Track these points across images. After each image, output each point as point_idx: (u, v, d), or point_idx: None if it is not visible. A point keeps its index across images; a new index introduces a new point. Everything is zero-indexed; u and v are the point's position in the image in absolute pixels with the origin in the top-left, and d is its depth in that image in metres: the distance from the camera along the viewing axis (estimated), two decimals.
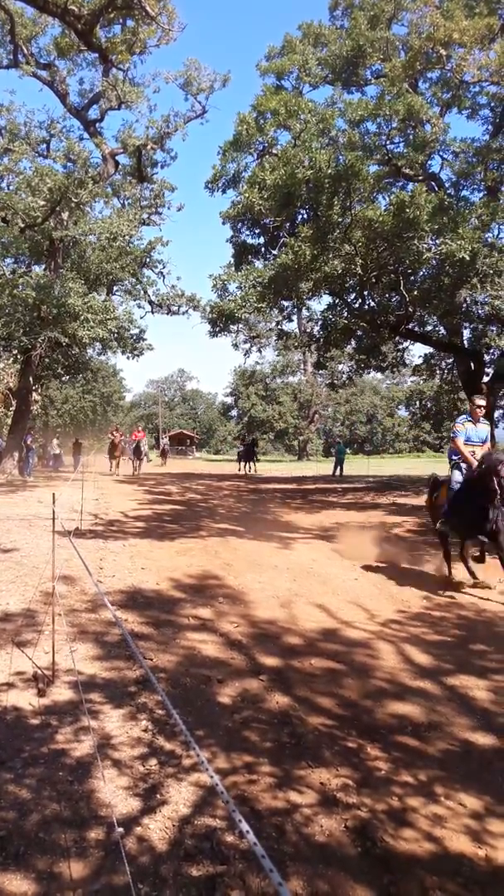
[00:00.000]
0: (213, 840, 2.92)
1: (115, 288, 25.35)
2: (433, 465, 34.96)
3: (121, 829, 2.85)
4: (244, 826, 1.52)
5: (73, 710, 4.12)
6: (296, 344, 26.97)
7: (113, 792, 3.26)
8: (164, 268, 25.62)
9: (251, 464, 31.11)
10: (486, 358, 19.52)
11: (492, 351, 18.70)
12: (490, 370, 19.88)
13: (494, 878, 2.85)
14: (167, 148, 24.85)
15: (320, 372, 49.31)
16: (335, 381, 31.76)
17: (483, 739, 4.04)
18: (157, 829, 3.01)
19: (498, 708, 4.51)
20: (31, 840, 2.88)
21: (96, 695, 4.38)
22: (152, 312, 26.05)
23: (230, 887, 2.64)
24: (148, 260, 25.14)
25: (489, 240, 16.45)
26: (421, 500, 15.82)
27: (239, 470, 31.05)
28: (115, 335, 22.62)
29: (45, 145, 23.33)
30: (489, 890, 2.77)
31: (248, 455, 31.06)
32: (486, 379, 19.73)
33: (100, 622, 5.86)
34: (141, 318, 27.22)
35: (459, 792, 3.42)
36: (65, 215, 20.72)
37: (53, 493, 5.38)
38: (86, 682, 4.53)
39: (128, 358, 25.15)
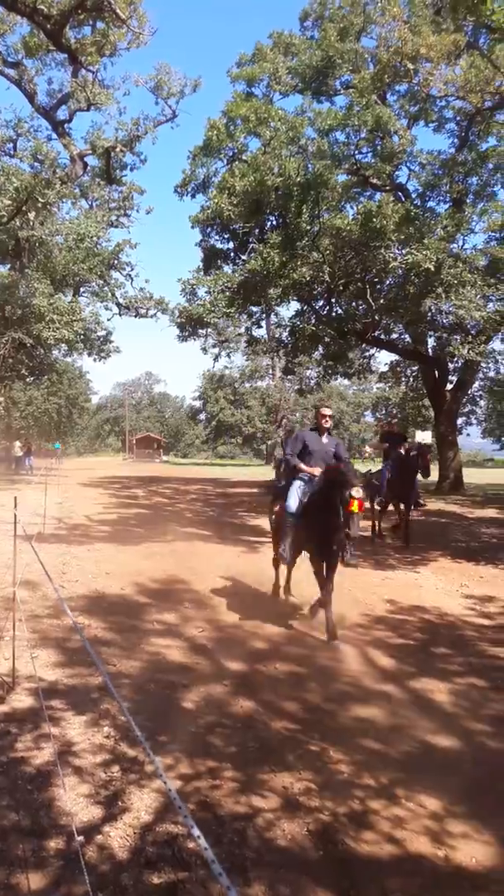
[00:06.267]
0: (174, 847, 2.90)
1: (81, 289, 25.08)
2: None
3: (81, 838, 2.82)
4: (196, 831, 1.52)
5: (33, 717, 4.05)
6: (264, 349, 27.08)
7: (73, 800, 3.22)
8: (132, 270, 25.46)
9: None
10: (450, 366, 19.87)
11: (455, 359, 19.02)
12: (453, 378, 20.24)
13: (453, 878, 2.89)
14: (137, 151, 24.73)
15: (288, 377, 49.54)
16: (303, 387, 31.94)
17: (443, 741, 4.10)
18: (118, 836, 2.98)
19: (458, 710, 4.58)
20: None
21: (58, 701, 4.32)
22: (120, 315, 25.85)
23: (192, 894, 2.62)
24: (116, 262, 24.94)
25: (454, 250, 16.75)
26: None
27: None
28: (82, 337, 22.38)
29: (11, 144, 23.03)
30: (448, 890, 2.80)
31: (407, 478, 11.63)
32: (449, 387, 20.09)
33: (62, 628, 5.78)
34: (108, 320, 26.90)
35: (420, 794, 3.46)
36: (31, 215, 20.44)
37: (15, 497, 5.29)
38: (47, 688, 4.46)
39: (94, 360, 24.94)
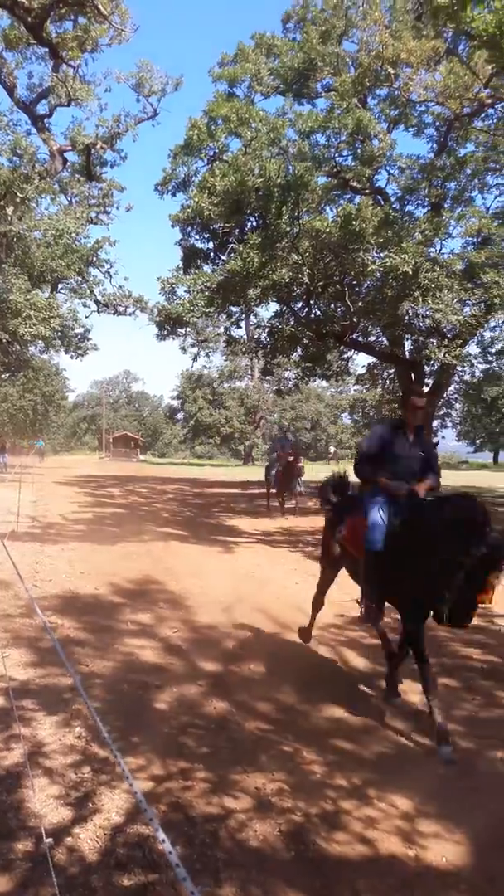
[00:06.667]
0: (145, 848, 2.88)
1: (59, 286, 24.83)
2: None
3: (49, 840, 2.78)
4: (161, 835, 1.51)
5: (3, 717, 4.00)
6: (243, 350, 27.06)
7: (43, 801, 3.18)
8: (111, 267, 25.26)
9: None
10: (426, 369, 20.04)
11: (431, 363, 19.19)
12: (429, 381, 20.42)
13: (424, 877, 2.91)
14: (117, 148, 24.54)
15: (267, 378, 49.60)
16: (281, 388, 32.01)
17: (416, 742, 4.13)
18: (88, 838, 2.95)
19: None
20: None
21: (29, 701, 4.27)
22: (98, 312, 25.64)
23: (162, 895, 2.60)
24: (95, 259, 24.74)
25: (431, 255, 16.90)
26: None
27: None
28: (59, 333, 22.21)
29: None
30: (419, 889, 2.82)
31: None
32: (425, 389, 20.26)
33: (35, 627, 5.71)
34: (86, 317, 26.69)
35: (392, 794, 3.48)
36: (9, 210, 20.19)
37: None
38: (18, 688, 4.40)
39: (71, 357, 24.73)
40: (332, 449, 61.42)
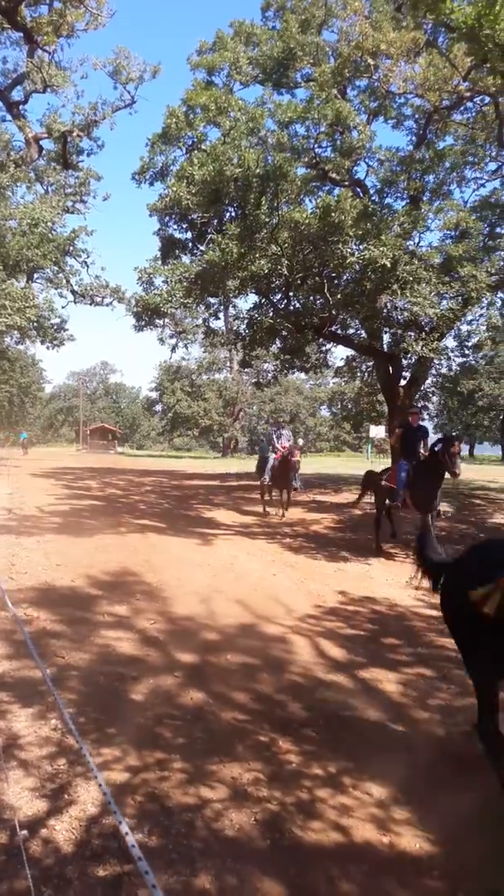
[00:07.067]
0: (120, 839, 2.87)
1: (35, 275, 24.50)
2: (353, 464, 35.80)
3: (24, 832, 2.76)
4: (124, 828, 1.51)
5: None
6: (222, 341, 26.96)
7: (18, 794, 3.16)
8: (87, 257, 24.97)
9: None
10: (404, 362, 20.14)
11: (409, 356, 19.28)
12: (407, 374, 20.54)
13: (397, 863, 2.94)
14: (94, 136, 24.23)
15: (246, 370, 49.48)
16: (260, 380, 31.97)
17: (391, 730, 4.17)
18: (63, 830, 2.94)
19: (406, 700, 4.67)
20: None
21: (4, 694, 4.24)
22: (75, 302, 25.36)
23: (136, 885, 2.60)
24: (71, 248, 24.44)
25: (410, 247, 16.95)
26: (339, 497, 16.10)
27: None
28: (35, 324, 21.92)
29: None
30: (392, 875, 2.86)
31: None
32: (402, 382, 20.39)
33: (10, 620, 5.66)
34: (62, 307, 26.36)
35: (367, 782, 3.52)
36: None
37: None
38: None
39: (48, 348, 24.41)
40: (300, 441, 61.58)
